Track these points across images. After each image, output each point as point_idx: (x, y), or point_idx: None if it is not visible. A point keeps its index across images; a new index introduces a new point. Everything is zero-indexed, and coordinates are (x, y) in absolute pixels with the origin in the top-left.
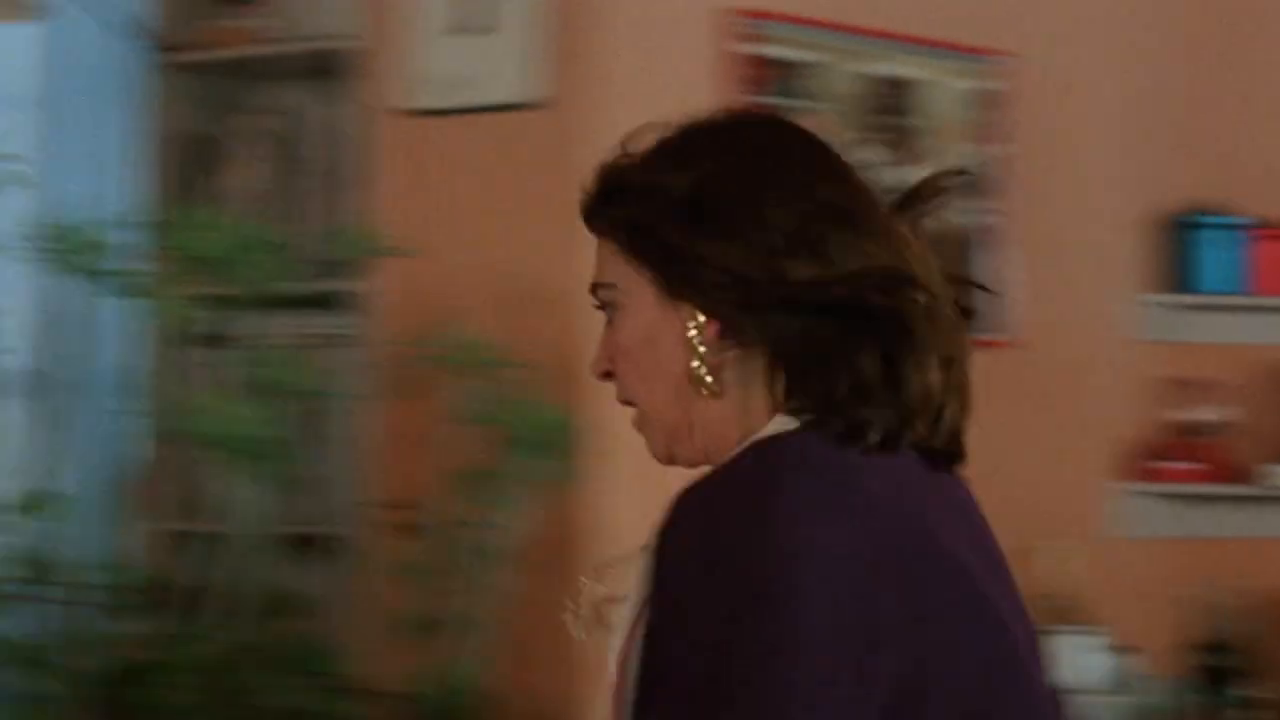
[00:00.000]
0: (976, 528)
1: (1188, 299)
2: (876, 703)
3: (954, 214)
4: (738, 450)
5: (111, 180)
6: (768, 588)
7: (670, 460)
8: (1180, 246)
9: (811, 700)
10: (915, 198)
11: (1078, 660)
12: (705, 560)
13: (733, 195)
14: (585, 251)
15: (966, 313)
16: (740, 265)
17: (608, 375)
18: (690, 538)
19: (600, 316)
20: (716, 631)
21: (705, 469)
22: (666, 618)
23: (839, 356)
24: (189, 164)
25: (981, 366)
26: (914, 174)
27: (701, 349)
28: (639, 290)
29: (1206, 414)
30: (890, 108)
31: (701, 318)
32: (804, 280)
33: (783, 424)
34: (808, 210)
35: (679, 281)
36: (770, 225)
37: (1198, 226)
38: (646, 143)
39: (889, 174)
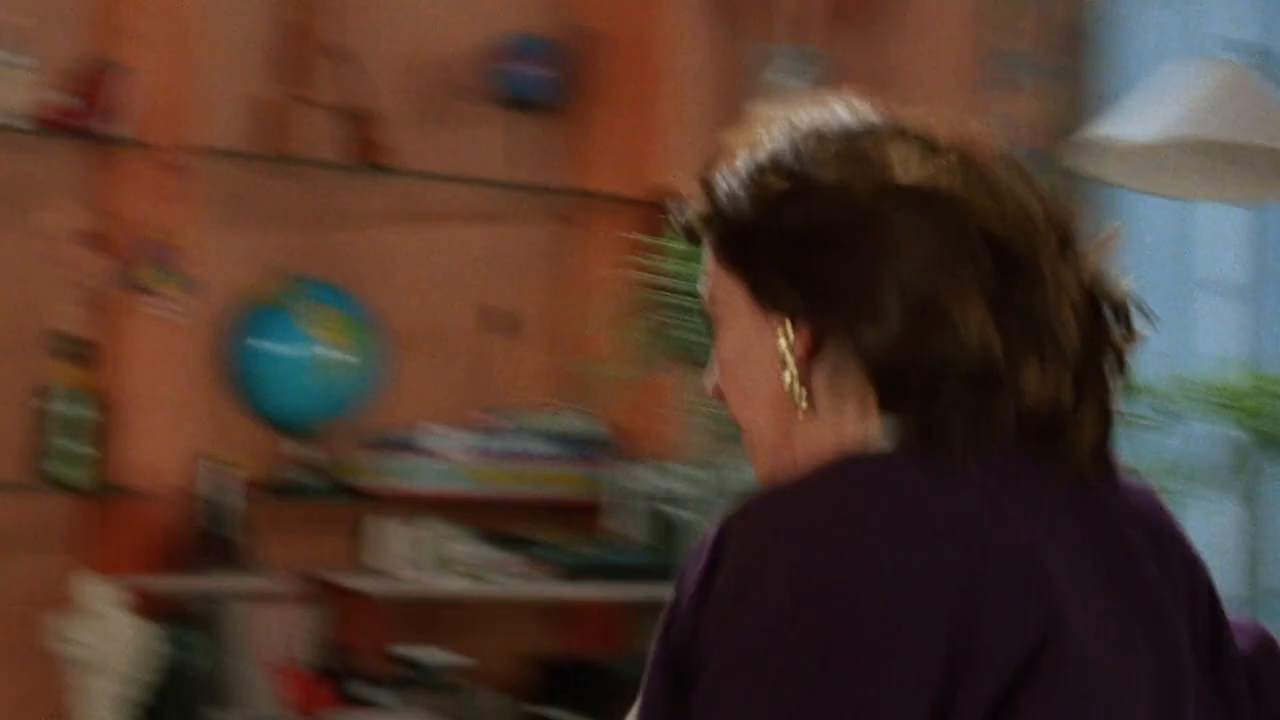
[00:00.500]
0: (1124, 552)
1: None
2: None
3: None
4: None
5: None
6: (837, 607)
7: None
8: None
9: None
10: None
11: None
12: (773, 576)
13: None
14: None
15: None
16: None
17: (720, 394)
18: (757, 549)
19: None
20: (782, 647)
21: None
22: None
23: (937, 368)
24: None
25: None
26: None
27: (792, 362)
28: (735, 301)
29: None
30: None
31: (791, 328)
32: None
33: (872, 440)
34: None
35: (767, 290)
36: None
37: None
38: (743, 142)
39: None
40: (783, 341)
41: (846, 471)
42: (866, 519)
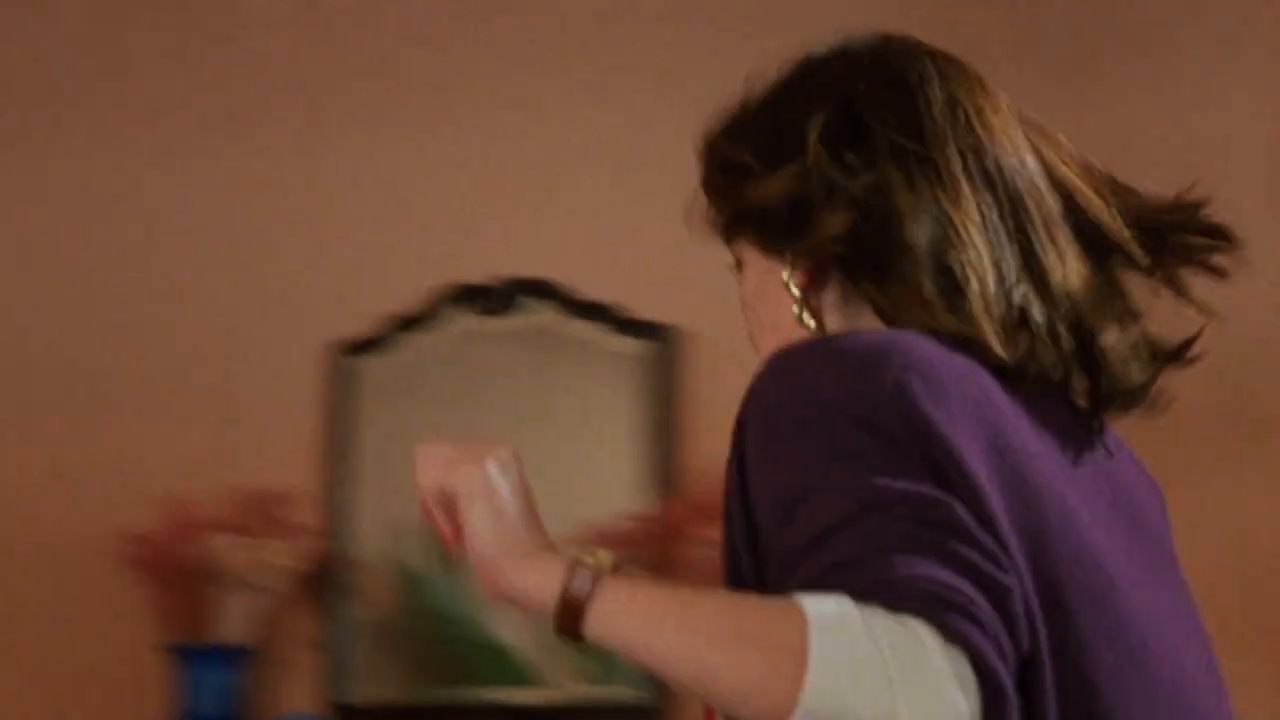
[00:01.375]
0: (1116, 492)
1: None
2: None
3: None
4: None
5: None
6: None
7: None
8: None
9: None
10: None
11: None
12: (798, 411)
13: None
14: None
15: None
16: (797, 192)
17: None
18: (781, 392)
19: None
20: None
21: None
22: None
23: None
24: None
25: None
26: None
27: (798, 294)
28: (747, 246)
29: None
30: None
31: (792, 263)
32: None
33: None
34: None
35: (752, 228)
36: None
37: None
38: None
39: None
40: (785, 274)
41: (856, 331)
42: (890, 348)
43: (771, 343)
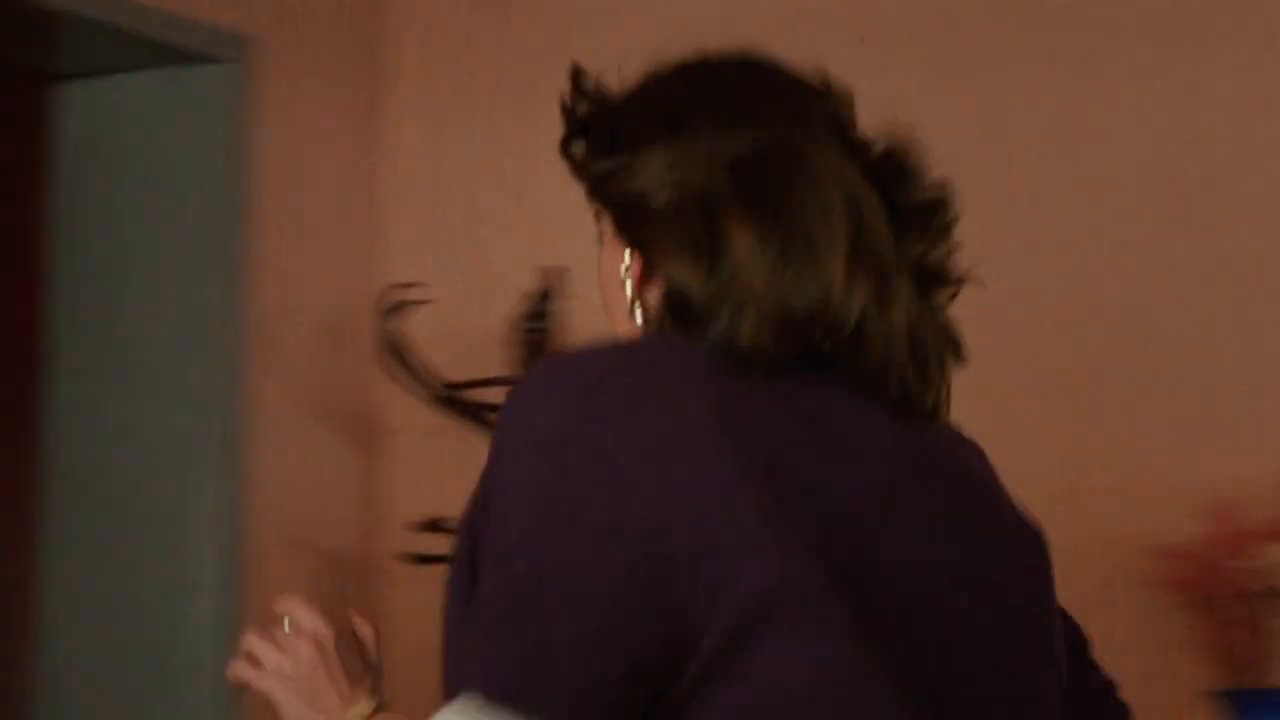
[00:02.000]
0: (923, 486)
1: None
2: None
3: None
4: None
5: None
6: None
7: None
8: None
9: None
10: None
11: None
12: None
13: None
14: None
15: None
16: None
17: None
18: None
19: None
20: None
21: None
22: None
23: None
24: None
25: None
26: None
27: (628, 284)
28: (607, 228)
29: None
30: None
31: (630, 255)
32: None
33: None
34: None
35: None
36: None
37: None
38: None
39: None
40: (623, 266)
41: (604, 348)
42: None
43: (618, 324)
